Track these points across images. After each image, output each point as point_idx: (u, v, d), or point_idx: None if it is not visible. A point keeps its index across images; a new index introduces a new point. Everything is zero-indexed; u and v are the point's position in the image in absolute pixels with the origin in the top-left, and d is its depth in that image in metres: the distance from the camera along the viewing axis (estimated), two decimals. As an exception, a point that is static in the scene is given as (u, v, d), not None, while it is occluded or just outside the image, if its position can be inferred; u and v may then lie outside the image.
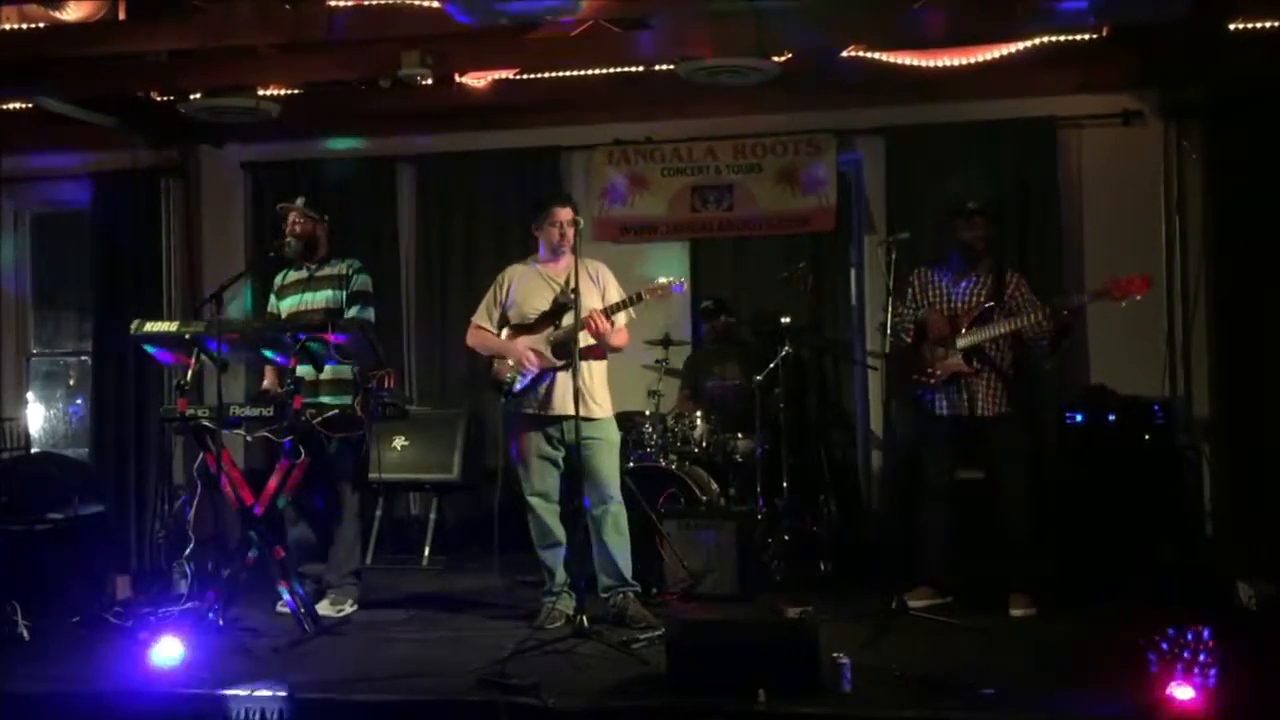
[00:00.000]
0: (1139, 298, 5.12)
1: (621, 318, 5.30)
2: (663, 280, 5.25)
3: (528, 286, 5.37)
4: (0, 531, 5.49)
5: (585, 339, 5.18)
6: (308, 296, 5.74)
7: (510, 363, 5.31)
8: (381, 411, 5.42)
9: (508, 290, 5.42)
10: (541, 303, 5.31)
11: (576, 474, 5.14)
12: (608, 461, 5.30)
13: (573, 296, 5.08)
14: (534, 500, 5.31)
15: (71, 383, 8.68)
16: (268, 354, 5.49)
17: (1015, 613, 5.26)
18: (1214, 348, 6.82)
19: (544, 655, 4.64)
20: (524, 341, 5.30)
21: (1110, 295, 5.15)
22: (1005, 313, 5.34)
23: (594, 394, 5.25)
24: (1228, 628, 4.09)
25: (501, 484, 5.68)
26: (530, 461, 5.30)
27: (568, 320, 5.14)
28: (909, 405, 5.61)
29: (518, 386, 5.28)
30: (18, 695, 4.40)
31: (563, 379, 5.15)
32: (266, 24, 5.92)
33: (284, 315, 5.75)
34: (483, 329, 5.46)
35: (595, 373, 5.29)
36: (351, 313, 5.63)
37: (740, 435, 6.57)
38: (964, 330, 5.38)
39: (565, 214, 5.31)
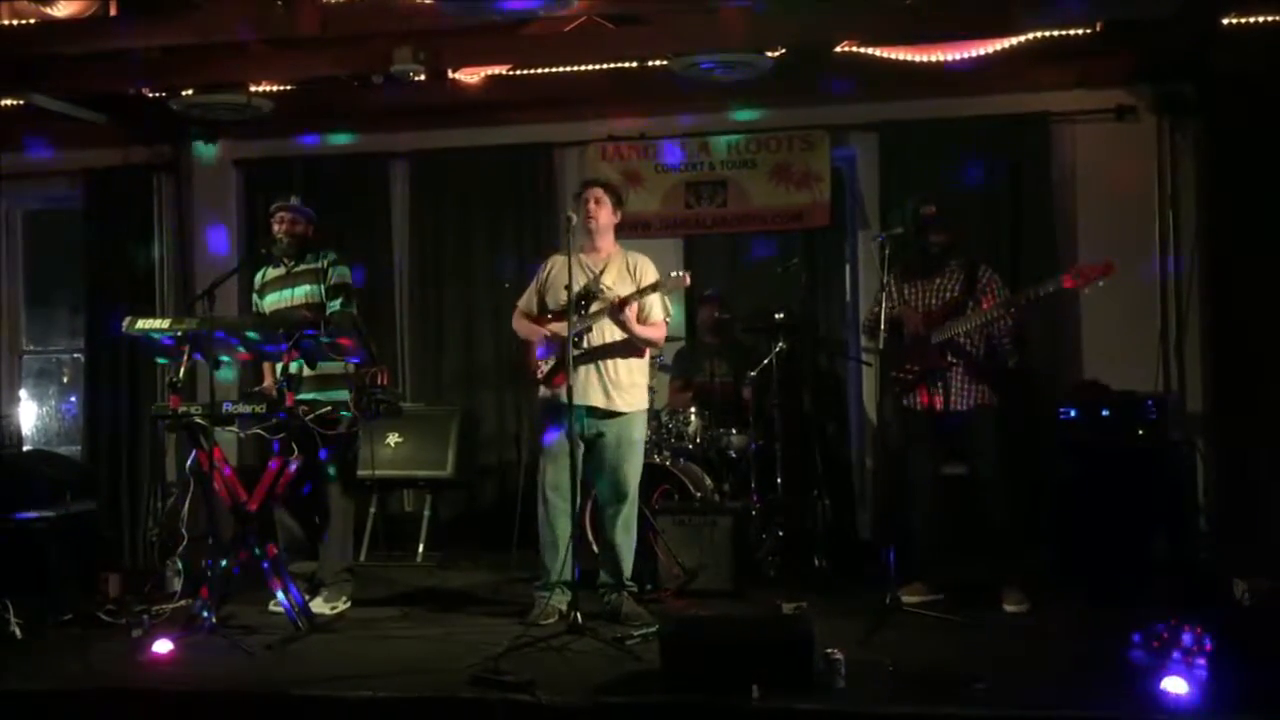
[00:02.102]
0: (1101, 283, 5.11)
1: (658, 312, 5.27)
2: (679, 274, 5.21)
3: (563, 271, 5.30)
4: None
5: (616, 330, 5.18)
6: (286, 293, 5.74)
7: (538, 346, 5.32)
8: (375, 408, 5.40)
9: (548, 274, 5.42)
10: (574, 287, 5.25)
11: (590, 467, 5.13)
12: (628, 458, 5.26)
13: (599, 285, 5.10)
14: (550, 494, 5.26)
15: (65, 380, 8.66)
16: (261, 352, 5.47)
17: (1008, 608, 5.26)
18: (1208, 342, 6.82)
19: (538, 652, 4.63)
20: (548, 323, 5.29)
21: (1074, 283, 5.13)
22: (977, 306, 5.37)
23: (620, 387, 5.22)
24: (1222, 622, 4.10)
25: (523, 476, 5.65)
26: (550, 454, 5.26)
27: (594, 307, 5.11)
28: (893, 402, 5.63)
29: (540, 372, 5.29)
30: (9, 693, 4.38)
31: (590, 369, 5.12)
32: (258, 20, 5.91)
33: (267, 313, 5.74)
34: (519, 311, 5.49)
35: (622, 367, 5.24)
36: (334, 306, 5.62)
37: (734, 431, 6.57)
38: (938, 325, 5.40)
39: (588, 194, 5.33)
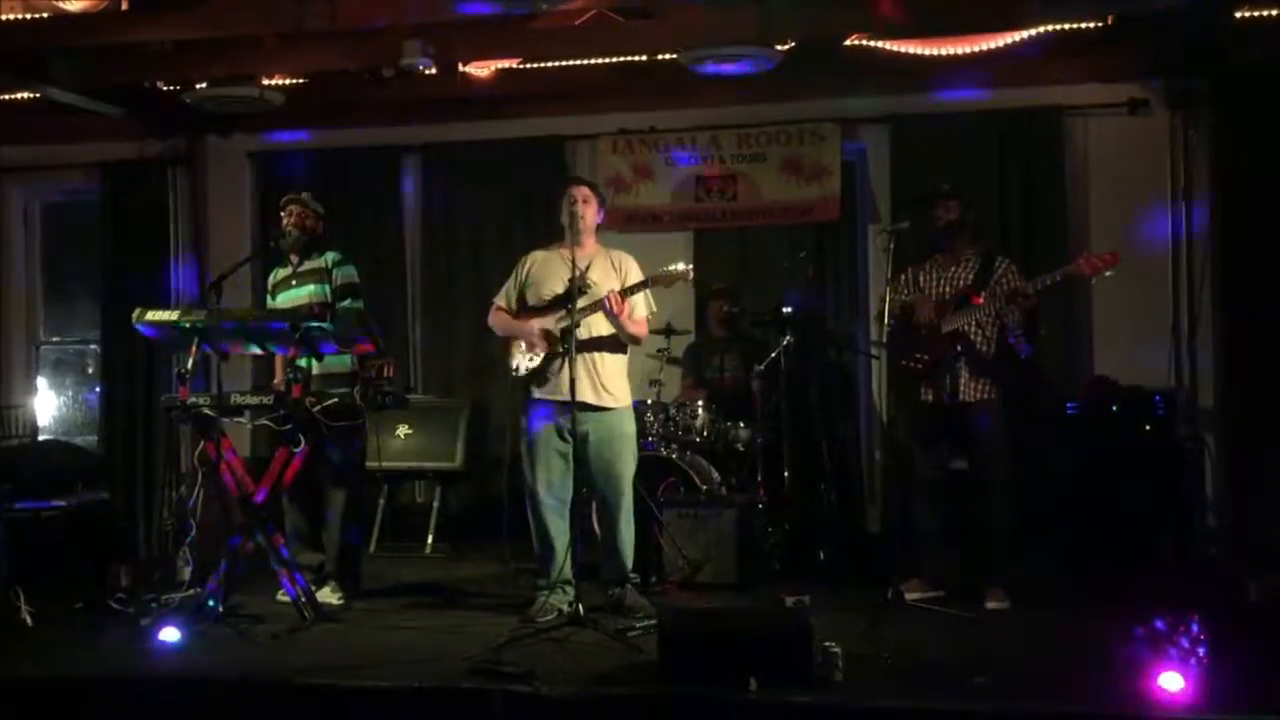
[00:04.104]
0: (1109, 273, 5.09)
1: (642, 309, 5.24)
2: (677, 267, 5.15)
3: (547, 268, 5.32)
4: (4, 517, 5.54)
5: (603, 326, 5.16)
6: (292, 292, 5.78)
7: (522, 344, 5.28)
8: (381, 400, 5.42)
9: (528, 271, 5.38)
10: (558, 285, 5.21)
11: (584, 463, 5.13)
12: (621, 453, 5.24)
13: (585, 282, 5.09)
14: (541, 493, 5.24)
15: (90, 371, 8.74)
16: (269, 346, 5.51)
17: (990, 605, 5.21)
18: (1220, 338, 6.79)
19: (539, 643, 4.66)
20: (535, 323, 5.25)
21: (1081, 273, 5.11)
22: (990, 297, 5.32)
23: (607, 383, 5.19)
24: (1224, 618, 4.08)
25: (508, 469, 5.66)
26: (539, 453, 5.24)
27: (583, 303, 5.07)
28: (901, 394, 5.61)
29: (522, 370, 5.26)
30: (20, 680, 4.44)
31: (580, 367, 5.06)
32: (269, 13, 5.95)
33: None
34: (500, 309, 5.43)
35: (609, 363, 5.22)
36: (344, 305, 5.64)
37: (742, 424, 6.57)
38: (949, 314, 5.38)
39: (575, 192, 5.30)
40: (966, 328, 5.35)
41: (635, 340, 5.29)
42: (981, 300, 5.29)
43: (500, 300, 5.44)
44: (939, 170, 6.93)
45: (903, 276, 5.54)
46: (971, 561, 5.39)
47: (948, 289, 5.46)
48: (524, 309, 5.35)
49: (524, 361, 5.26)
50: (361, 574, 5.83)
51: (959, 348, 5.34)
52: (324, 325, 5.17)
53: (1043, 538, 5.89)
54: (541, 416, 5.24)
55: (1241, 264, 6.67)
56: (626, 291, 5.11)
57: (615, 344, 5.25)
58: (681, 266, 5.15)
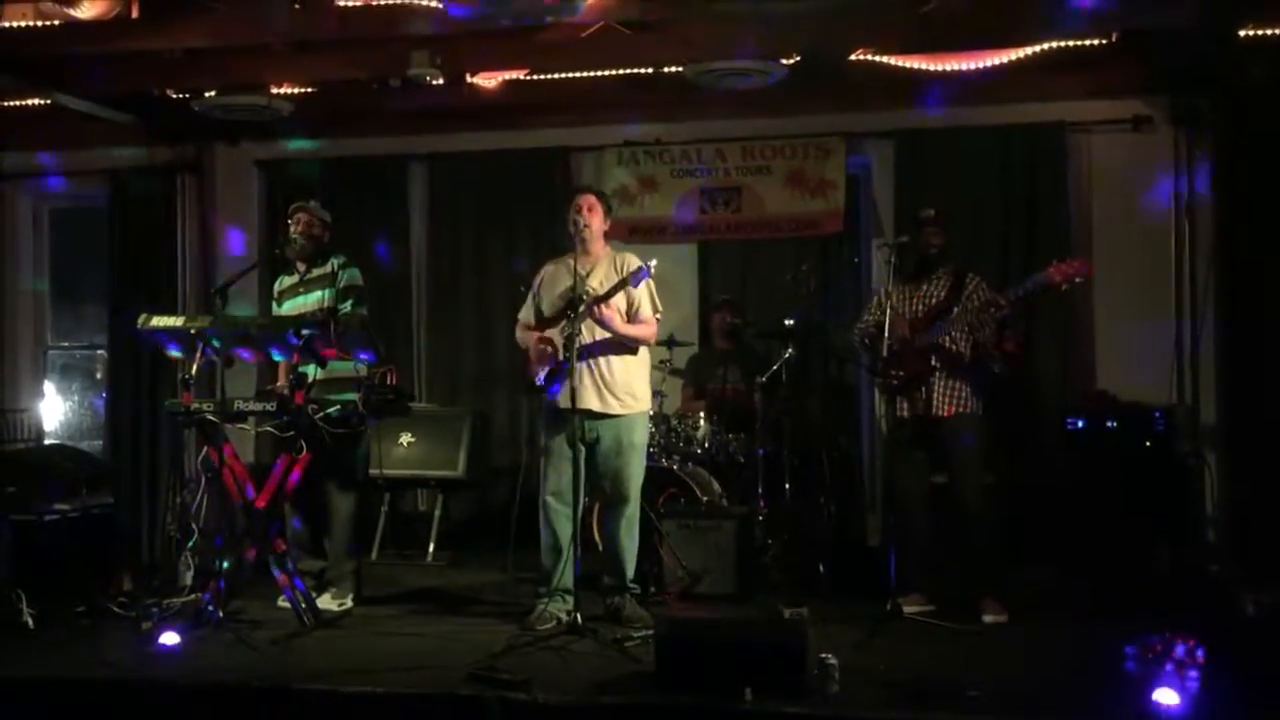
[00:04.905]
0: (1079, 280, 5.13)
1: (647, 309, 5.26)
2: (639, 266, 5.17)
3: (555, 279, 5.37)
4: (8, 521, 5.58)
5: (602, 332, 5.17)
6: (300, 300, 5.81)
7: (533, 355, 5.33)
8: (382, 407, 5.44)
9: (539, 283, 5.44)
10: (562, 296, 5.28)
11: (591, 470, 5.15)
12: (628, 461, 5.25)
13: (586, 289, 5.10)
14: (550, 500, 5.26)
15: (97, 376, 8.78)
16: (273, 352, 5.54)
17: (986, 619, 5.21)
18: (1222, 354, 6.79)
19: (537, 651, 4.68)
20: (541, 334, 5.29)
21: (1052, 280, 5.13)
22: (962, 312, 5.34)
23: (617, 389, 5.20)
24: (1220, 633, 4.09)
25: (522, 477, 5.70)
26: (550, 460, 5.26)
27: (581, 309, 5.09)
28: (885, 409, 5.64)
29: (539, 380, 5.28)
30: (21, 682, 4.47)
31: (585, 373, 5.10)
32: (276, 22, 5.98)
33: None
34: (520, 322, 5.51)
35: (618, 368, 5.22)
36: (345, 308, 5.67)
37: (743, 436, 6.58)
38: (922, 330, 5.40)
39: (581, 201, 5.34)
40: (941, 343, 5.37)
41: (638, 341, 5.28)
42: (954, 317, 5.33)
43: (520, 314, 5.53)
44: (943, 185, 7.01)
45: (875, 298, 5.56)
46: (966, 575, 5.40)
47: (920, 306, 5.50)
48: (540, 320, 5.41)
49: (540, 371, 5.29)
50: (362, 581, 5.84)
51: (933, 363, 5.37)
52: (326, 333, 5.20)
53: (1042, 551, 5.89)
54: (552, 424, 5.27)
55: (1244, 281, 6.67)
56: (602, 297, 5.11)
57: (619, 347, 5.24)
58: (646, 265, 5.17)
